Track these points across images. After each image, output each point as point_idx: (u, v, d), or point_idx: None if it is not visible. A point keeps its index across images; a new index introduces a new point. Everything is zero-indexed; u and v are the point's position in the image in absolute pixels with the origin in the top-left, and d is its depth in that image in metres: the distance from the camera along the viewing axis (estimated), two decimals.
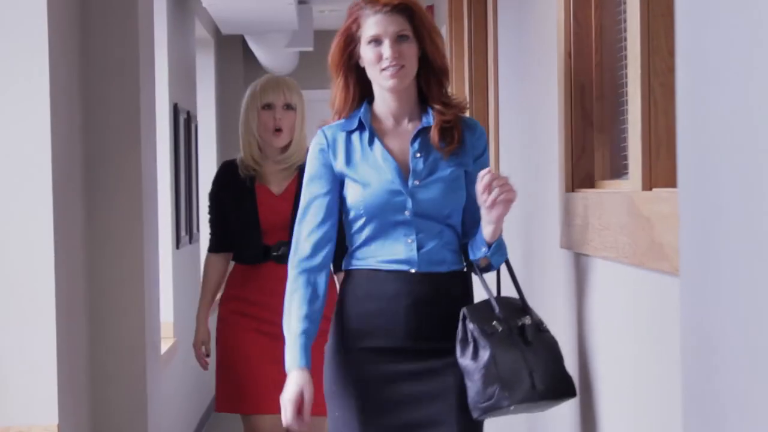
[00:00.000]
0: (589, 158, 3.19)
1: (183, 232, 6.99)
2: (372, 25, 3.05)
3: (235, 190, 4.55)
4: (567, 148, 3.21)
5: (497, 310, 2.93)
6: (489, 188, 2.86)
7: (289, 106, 4.61)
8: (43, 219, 3.61)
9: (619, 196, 2.64)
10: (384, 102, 3.10)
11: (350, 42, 3.08)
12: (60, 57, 3.79)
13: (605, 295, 2.78)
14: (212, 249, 4.68)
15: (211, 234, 4.68)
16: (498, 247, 3.00)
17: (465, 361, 2.88)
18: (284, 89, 4.64)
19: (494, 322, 2.89)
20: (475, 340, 2.88)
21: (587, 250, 2.91)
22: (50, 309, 3.61)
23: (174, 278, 6.60)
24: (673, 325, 2.18)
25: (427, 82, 3.10)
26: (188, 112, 7.29)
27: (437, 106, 3.07)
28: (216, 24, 8.95)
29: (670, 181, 2.38)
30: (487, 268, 3.06)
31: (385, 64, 3.01)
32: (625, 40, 2.98)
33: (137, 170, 4.22)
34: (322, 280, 3.05)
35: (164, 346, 5.98)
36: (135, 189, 4.23)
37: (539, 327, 2.94)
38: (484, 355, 2.84)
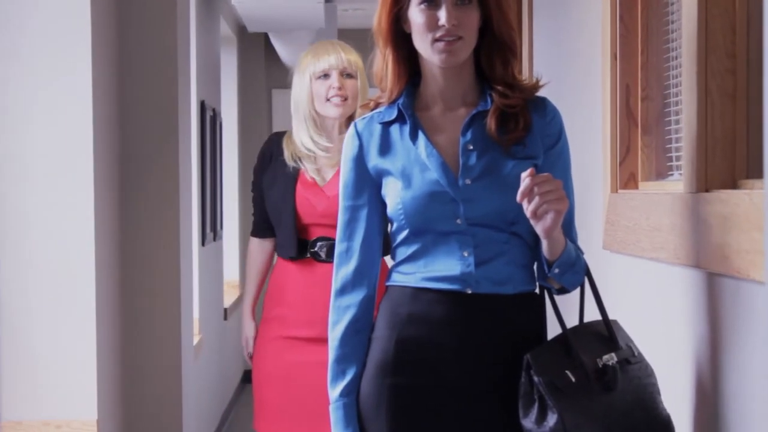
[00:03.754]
0: (634, 159, 3.20)
1: (208, 229, 7.00)
2: None
3: (275, 169, 3.95)
4: (612, 149, 3.21)
5: (573, 350, 2.33)
6: (529, 196, 2.26)
7: (349, 75, 3.91)
8: (84, 219, 3.63)
9: (669, 197, 2.64)
10: (433, 81, 2.46)
11: (399, 1, 2.44)
12: (102, 57, 3.81)
13: (657, 296, 2.78)
14: (252, 232, 4.13)
15: (252, 215, 4.12)
16: (567, 264, 2.37)
17: (528, 423, 2.30)
18: (341, 54, 3.92)
19: (567, 371, 2.29)
20: (541, 398, 2.29)
21: (635, 251, 2.90)
22: (90, 306, 3.62)
23: (200, 275, 6.61)
24: (738, 326, 2.18)
25: (489, 59, 2.45)
26: (214, 110, 7.30)
27: (500, 88, 2.42)
28: (240, 22, 8.96)
29: (726, 183, 2.38)
30: (562, 291, 2.44)
31: (440, 33, 2.37)
32: (673, 41, 2.99)
33: (174, 167, 4.23)
34: (370, 311, 2.52)
35: None
36: (171, 186, 4.23)
37: (628, 361, 2.36)
38: (551, 419, 2.26)
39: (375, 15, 2.47)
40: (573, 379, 2.29)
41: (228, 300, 8.27)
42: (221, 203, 7.86)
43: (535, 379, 2.28)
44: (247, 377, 9.26)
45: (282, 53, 8.98)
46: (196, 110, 6.50)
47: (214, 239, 7.41)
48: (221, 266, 8.00)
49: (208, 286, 7.02)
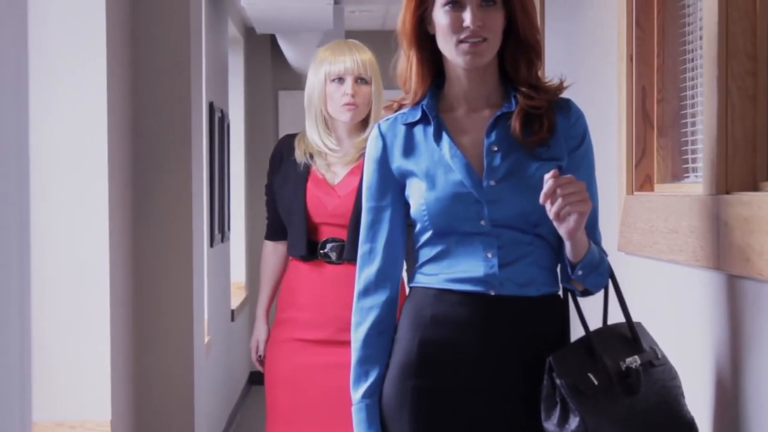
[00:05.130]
0: (650, 161, 3.20)
1: (216, 231, 7.01)
2: None
3: (286, 170, 3.96)
4: (628, 151, 3.21)
5: (596, 352, 2.33)
6: (552, 197, 2.26)
7: (363, 80, 3.90)
8: (98, 221, 3.63)
9: (688, 199, 2.64)
10: (457, 82, 2.46)
11: (423, 2, 2.44)
12: (116, 59, 3.81)
13: (675, 298, 2.77)
14: (266, 236, 4.13)
15: (267, 218, 4.12)
16: (590, 266, 2.38)
17: (550, 426, 2.30)
18: (357, 57, 3.90)
19: (590, 374, 2.29)
20: (563, 400, 2.29)
21: (651, 253, 2.90)
22: (104, 307, 3.63)
23: (208, 276, 6.62)
24: (760, 329, 2.17)
25: (514, 60, 2.45)
26: (222, 111, 7.31)
27: (524, 89, 2.43)
28: (248, 23, 8.96)
29: (747, 185, 2.38)
30: (586, 293, 2.44)
31: (464, 34, 2.38)
32: (690, 43, 2.99)
33: (187, 169, 4.24)
34: (393, 312, 2.51)
35: None
36: (184, 188, 4.24)
37: (652, 363, 2.35)
38: (573, 422, 2.26)
39: (399, 16, 2.46)
40: (595, 382, 2.28)
41: (235, 301, 8.28)
42: (229, 205, 7.88)
43: (558, 381, 2.28)
44: (253, 379, 9.26)
45: (289, 55, 8.98)
46: (205, 111, 6.51)
47: (222, 240, 7.42)
48: (228, 268, 8.01)
49: (216, 288, 7.03)
